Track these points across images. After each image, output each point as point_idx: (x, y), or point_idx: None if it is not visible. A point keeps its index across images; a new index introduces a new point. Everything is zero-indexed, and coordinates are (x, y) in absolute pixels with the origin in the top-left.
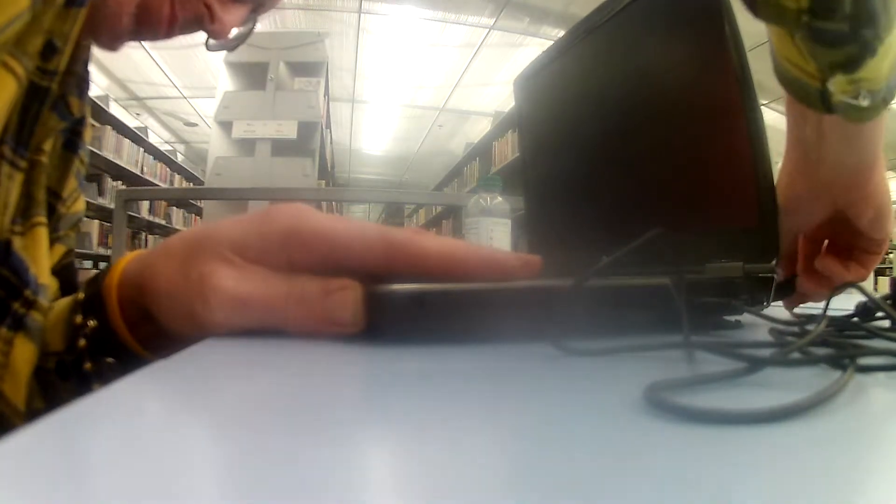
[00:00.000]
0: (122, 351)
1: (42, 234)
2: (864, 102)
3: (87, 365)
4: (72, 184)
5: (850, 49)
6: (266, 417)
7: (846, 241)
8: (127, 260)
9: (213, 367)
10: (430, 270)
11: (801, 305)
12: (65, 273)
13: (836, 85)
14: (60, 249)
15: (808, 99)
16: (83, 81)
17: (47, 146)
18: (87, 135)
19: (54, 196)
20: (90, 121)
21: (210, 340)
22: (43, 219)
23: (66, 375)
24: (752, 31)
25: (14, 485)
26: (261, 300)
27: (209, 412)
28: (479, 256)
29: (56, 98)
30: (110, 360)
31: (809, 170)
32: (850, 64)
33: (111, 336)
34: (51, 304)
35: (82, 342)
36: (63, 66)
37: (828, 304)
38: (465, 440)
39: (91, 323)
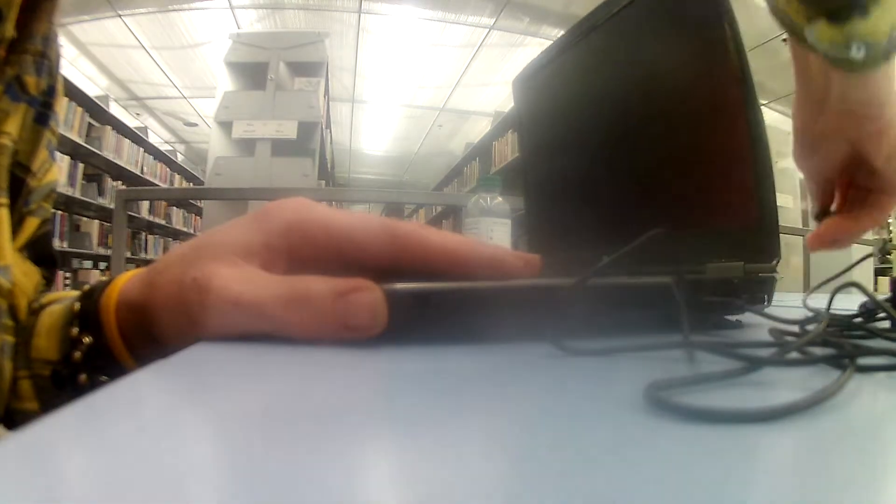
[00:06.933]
0: (119, 368)
1: (2, 215)
2: (859, 55)
3: (83, 377)
4: (42, 155)
5: (835, 1)
6: (264, 418)
7: (865, 184)
8: (124, 280)
9: (211, 369)
10: (433, 263)
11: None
12: (40, 244)
13: (819, 32)
14: (34, 222)
15: (798, 36)
16: (44, 58)
17: (10, 128)
18: (59, 105)
19: (24, 170)
20: (61, 91)
21: (207, 342)
22: (4, 199)
23: (62, 385)
24: (752, 32)
25: (13, 485)
26: (257, 301)
27: (206, 414)
28: (481, 253)
29: (9, 80)
30: (104, 378)
31: (817, 108)
32: (834, 15)
33: (107, 353)
34: (38, 302)
35: (77, 355)
36: (9, 33)
37: (830, 304)
38: (466, 440)
39: (86, 340)
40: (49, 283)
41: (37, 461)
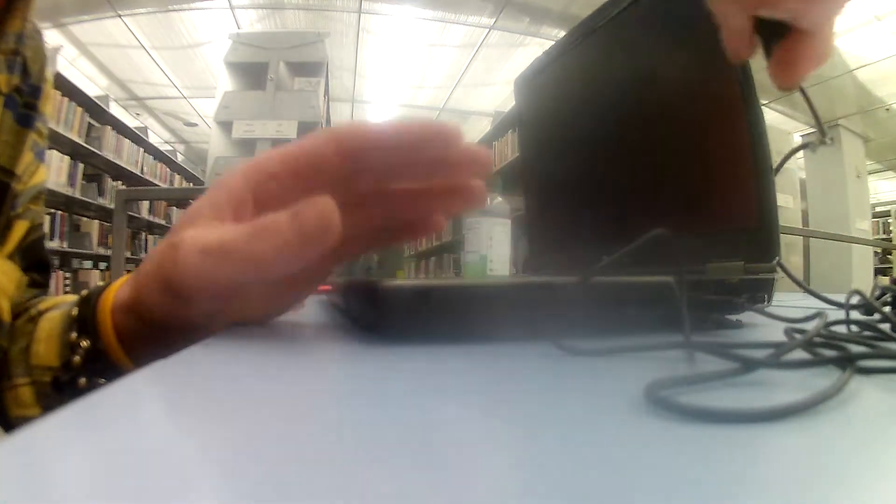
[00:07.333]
0: (117, 372)
1: None
2: None
3: (82, 381)
4: (27, 157)
5: None
6: (264, 418)
7: None
8: (119, 284)
9: (211, 368)
10: (379, 148)
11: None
12: (32, 249)
13: None
14: (23, 226)
15: None
16: (17, 55)
17: None
18: (46, 106)
19: (7, 174)
20: (49, 92)
21: (207, 342)
22: None
23: (62, 390)
24: None
25: (9, 487)
26: (221, 242)
27: (206, 414)
28: (413, 125)
29: None
30: (102, 380)
31: None
32: None
33: (105, 357)
34: (37, 309)
35: (77, 360)
36: None
37: (848, 307)
38: (466, 440)
39: (84, 343)
40: (44, 287)
41: (31, 463)
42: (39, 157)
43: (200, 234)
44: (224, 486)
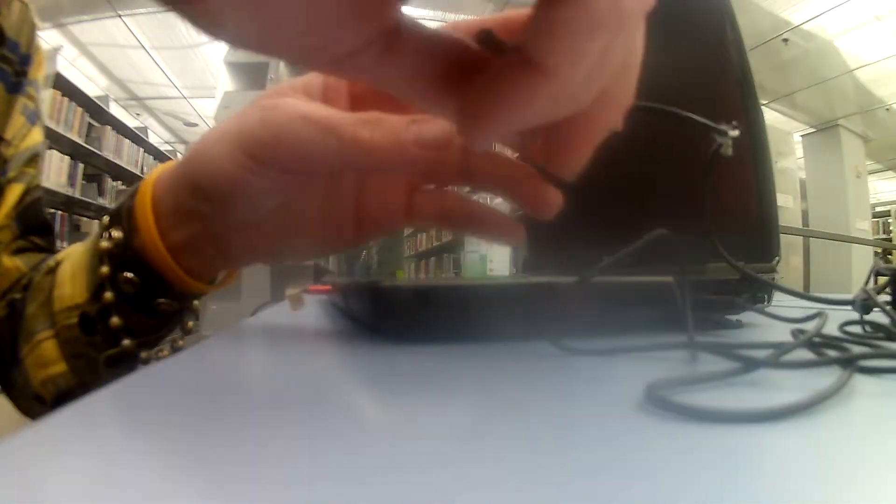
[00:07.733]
0: (148, 268)
1: None
2: None
3: (108, 295)
4: (18, 122)
5: None
6: (264, 419)
7: None
8: (166, 166)
9: (210, 369)
10: None
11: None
12: (30, 211)
13: None
14: (17, 189)
15: None
16: None
17: None
18: (37, 73)
19: None
20: (40, 60)
21: (207, 343)
22: None
23: (92, 329)
24: (752, 31)
25: (11, 485)
26: (327, 116)
27: (206, 414)
28: None
29: None
30: (130, 275)
31: None
32: None
33: (138, 251)
34: (55, 260)
35: (105, 270)
36: None
37: (862, 312)
38: (465, 440)
39: (115, 234)
40: (48, 251)
41: (27, 466)
42: (31, 119)
43: (302, 102)
44: (223, 487)
